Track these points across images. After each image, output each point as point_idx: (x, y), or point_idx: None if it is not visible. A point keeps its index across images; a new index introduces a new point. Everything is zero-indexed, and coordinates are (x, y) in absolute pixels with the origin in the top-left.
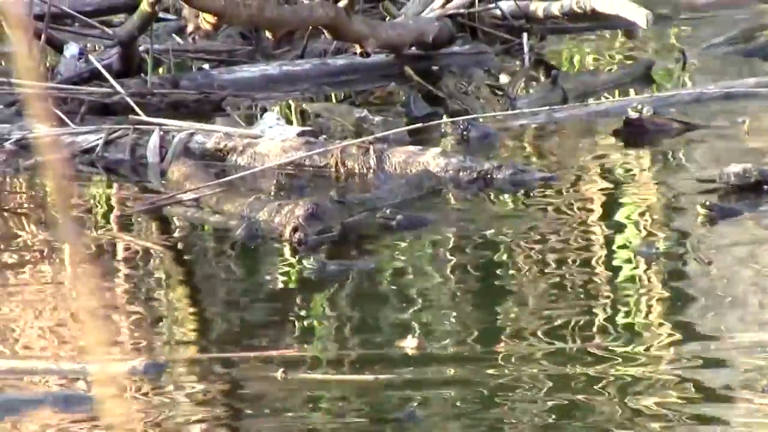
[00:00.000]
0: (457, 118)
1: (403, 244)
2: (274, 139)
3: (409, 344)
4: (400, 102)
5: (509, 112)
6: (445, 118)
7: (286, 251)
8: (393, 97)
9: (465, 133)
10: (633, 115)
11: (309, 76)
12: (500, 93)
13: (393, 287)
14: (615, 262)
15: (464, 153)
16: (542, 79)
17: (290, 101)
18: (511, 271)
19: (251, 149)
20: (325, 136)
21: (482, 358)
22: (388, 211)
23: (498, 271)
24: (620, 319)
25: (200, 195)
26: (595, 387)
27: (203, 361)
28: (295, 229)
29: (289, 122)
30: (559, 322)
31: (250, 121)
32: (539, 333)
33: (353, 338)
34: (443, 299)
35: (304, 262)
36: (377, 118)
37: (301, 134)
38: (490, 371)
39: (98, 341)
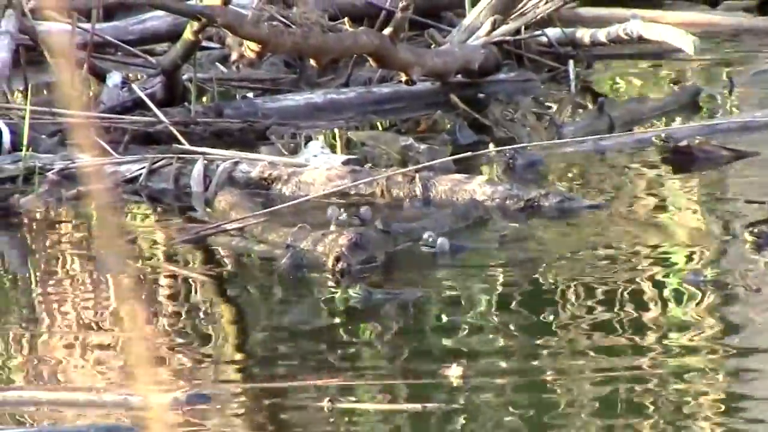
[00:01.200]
0: (504, 147)
1: (450, 274)
2: (318, 168)
3: (454, 372)
4: (446, 130)
5: (556, 140)
6: (491, 146)
7: (331, 281)
8: (438, 125)
9: (511, 161)
10: (682, 142)
11: (353, 105)
12: (547, 120)
13: (439, 316)
14: (662, 291)
15: (511, 181)
16: (589, 106)
17: (335, 130)
18: (557, 300)
19: (296, 178)
20: (370, 165)
21: (528, 387)
22: (430, 238)
23: (544, 299)
24: (668, 348)
25: (245, 224)
26: (646, 412)
27: (248, 391)
28: (338, 259)
29: (334, 151)
30: (607, 351)
31: (295, 149)
32: (587, 363)
33: (399, 367)
34: (489, 328)
35: (350, 291)
36: (422, 146)
37: (346, 162)
38: (537, 400)
39: (143, 373)
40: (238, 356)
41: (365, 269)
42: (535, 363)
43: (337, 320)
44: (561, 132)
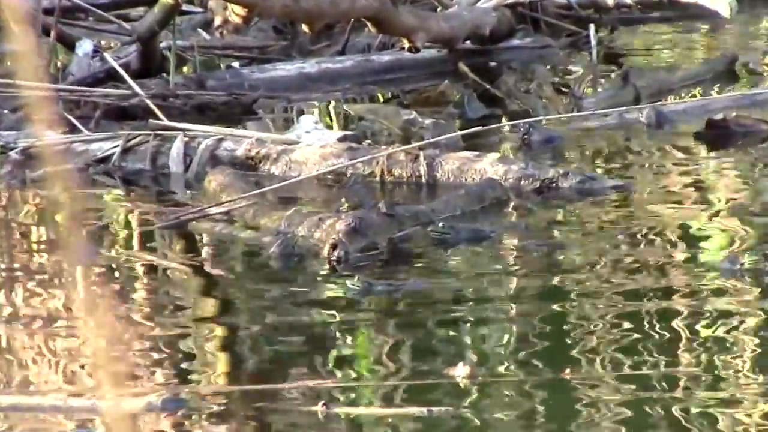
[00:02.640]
0: (518, 120)
1: (459, 263)
2: (312, 146)
3: (461, 372)
4: (454, 102)
5: (575, 113)
6: (504, 121)
7: (326, 271)
8: (445, 97)
9: (526, 136)
10: (717, 116)
11: (351, 75)
12: (565, 92)
13: (446, 310)
14: (695, 281)
15: (526, 159)
16: (612, 76)
17: (330, 103)
18: (578, 291)
19: (286, 157)
20: (369, 142)
21: (542, 388)
22: (441, 225)
23: (564, 291)
24: (701, 342)
25: (231, 208)
26: (675, 412)
27: (232, 394)
28: (334, 246)
29: (329, 126)
30: (633, 347)
31: (285, 125)
32: (609, 359)
33: (401, 367)
34: (501, 324)
35: (348, 282)
36: (427, 121)
37: (342, 139)
38: (552, 402)
39: (113, 374)
40: (222, 356)
41: (365, 258)
42: (552, 363)
43: (333, 315)
44: (581, 104)
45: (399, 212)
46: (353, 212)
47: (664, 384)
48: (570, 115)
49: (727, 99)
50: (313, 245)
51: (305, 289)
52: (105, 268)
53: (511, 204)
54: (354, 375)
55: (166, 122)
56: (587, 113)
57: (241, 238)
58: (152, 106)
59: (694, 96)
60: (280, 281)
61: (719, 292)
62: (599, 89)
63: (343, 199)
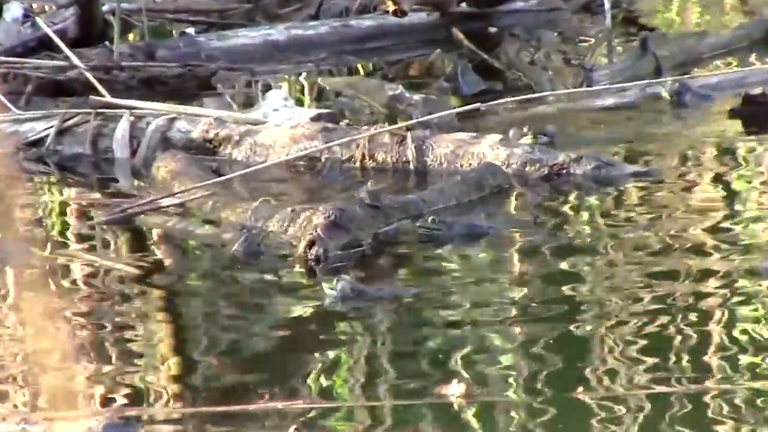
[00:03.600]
0: (521, 96)
1: (455, 263)
2: (280, 126)
3: (455, 391)
4: (446, 75)
5: (586, 88)
6: (505, 98)
7: (301, 272)
8: (437, 68)
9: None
10: (753, 91)
11: (326, 43)
12: (576, 63)
13: (437, 320)
14: (731, 286)
15: (532, 142)
16: (632, 43)
17: (301, 76)
18: (592, 298)
19: (251, 139)
20: (347, 121)
21: (550, 409)
22: (430, 219)
23: (575, 299)
24: (735, 350)
25: (186, 199)
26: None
27: (188, 417)
28: (311, 244)
29: (300, 103)
30: (658, 361)
31: (249, 102)
32: (625, 376)
33: (385, 386)
34: (502, 334)
35: (324, 286)
36: (416, 97)
37: (316, 119)
38: (562, 426)
39: (50, 394)
40: (177, 374)
41: (347, 257)
42: (563, 381)
43: (307, 325)
44: (592, 77)
45: (385, 203)
46: (332, 204)
47: (695, 404)
48: (580, 90)
49: (767, 71)
50: (285, 242)
51: (275, 295)
52: (39, 270)
53: (515, 193)
54: (331, 395)
55: (109, 99)
56: (600, 88)
57: (198, 235)
58: (93, 80)
59: (728, 67)
60: (245, 286)
61: (759, 298)
62: (614, 59)
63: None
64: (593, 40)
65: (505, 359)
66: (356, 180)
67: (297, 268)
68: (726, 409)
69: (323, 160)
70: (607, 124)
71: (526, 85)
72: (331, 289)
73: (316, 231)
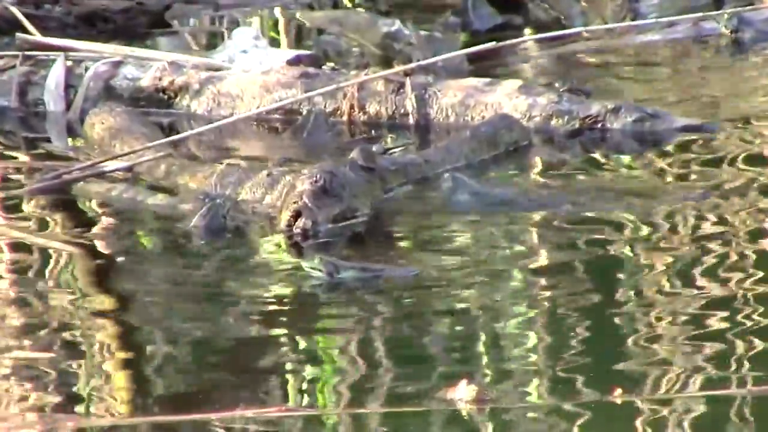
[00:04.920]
0: (546, 34)
1: (466, 238)
2: (250, 72)
3: (464, 395)
4: (454, 7)
5: (629, 22)
6: (527, 34)
7: (282, 250)
8: None
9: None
10: None
11: None
12: None
13: (442, 307)
14: None
15: (558, 90)
16: None
17: (275, 9)
18: (629, 287)
19: (214, 87)
20: (332, 65)
21: (580, 415)
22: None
23: (602, 286)
24: None
25: (134, 163)
26: None
27: (137, 428)
28: (296, 215)
29: (275, 43)
30: (706, 361)
31: (212, 42)
32: (677, 376)
33: (380, 389)
34: (519, 327)
35: (305, 266)
36: (416, 35)
37: (293, 62)
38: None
39: None
40: (123, 376)
41: (339, 230)
42: (594, 382)
43: (287, 316)
44: (638, 9)
45: (382, 165)
46: (319, 166)
47: (747, 408)
48: (620, 24)
49: None
50: (261, 214)
51: (247, 280)
52: None
53: (536, 153)
54: (314, 400)
55: (40, 38)
56: (643, 22)
57: (149, 206)
58: (19, 16)
59: None
60: (209, 268)
61: None
62: None
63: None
64: None
65: (525, 356)
66: (352, 138)
67: (276, 245)
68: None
69: (305, 113)
70: (652, 67)
71: (554, 19)
72: (314, 269)
73: (301, 199)
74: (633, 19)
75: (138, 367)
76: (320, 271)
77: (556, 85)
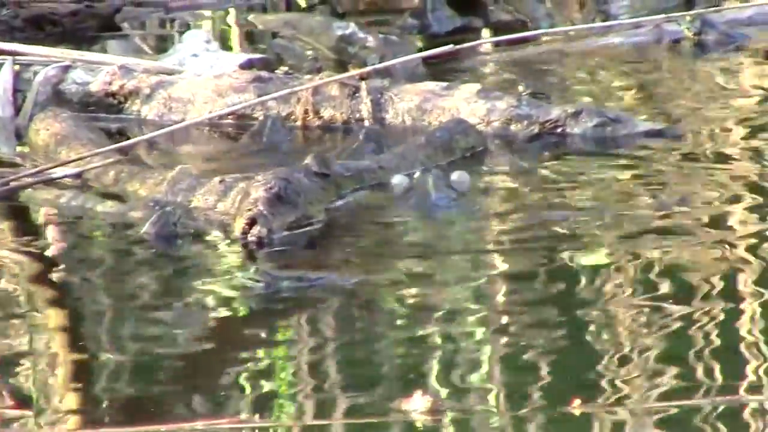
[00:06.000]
0: (505, 36)
1: (422, 243)
2: (202, 76)
3: (418, 406)
4: (411, 10)
5: (597, 24)
6: (485, 36)
7: (235, 258)
8: (399, 1)
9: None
10: None
11: None
12: None
13: (387, 316)
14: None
15: (518, 94)
16: None
17: (227, 13)
18: (585, 295)
19: (165, 92)
20: (286, 69)
21: (536, 427)
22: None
23: (564, 295)
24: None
25: (83, 169)
26: None
27: None
28: (252, 222)
29: (227, 47)
30: (669, 368)
31: (163, 46)
32: (638, 385)
33: (333, 400)
34: (471, 337)
35: (242, 278)
36: (372, 38)
37: (246, 66)
38: None
39: None
40: (71, 387)
41: (294, 237)
42: (551, 391)
43: (238, 325)
44: (607, 10)
45: (337, 171)
46: (273, 172)
47: (720, 421)
48: (585, 26)
49: None
50: (214, 221)
51: (198, 289)
52: None
53: (492, 157)
54: (265, 410)
55: None
56: (603, 24)
57: (99, 213)
58: None
59: None
60: (160, 277)
61: None
62: None
63: None
64: None
65: (480, 365)
66: (306, 143)
67: (230, 253)
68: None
69: (261, 118)
70: (614, 70)
71: (517, 22)
72: (249, 280)
73: (256, 206)
74: (604, 21)
75: (86, 378)
76: (257, 281)
77: (519, 88)
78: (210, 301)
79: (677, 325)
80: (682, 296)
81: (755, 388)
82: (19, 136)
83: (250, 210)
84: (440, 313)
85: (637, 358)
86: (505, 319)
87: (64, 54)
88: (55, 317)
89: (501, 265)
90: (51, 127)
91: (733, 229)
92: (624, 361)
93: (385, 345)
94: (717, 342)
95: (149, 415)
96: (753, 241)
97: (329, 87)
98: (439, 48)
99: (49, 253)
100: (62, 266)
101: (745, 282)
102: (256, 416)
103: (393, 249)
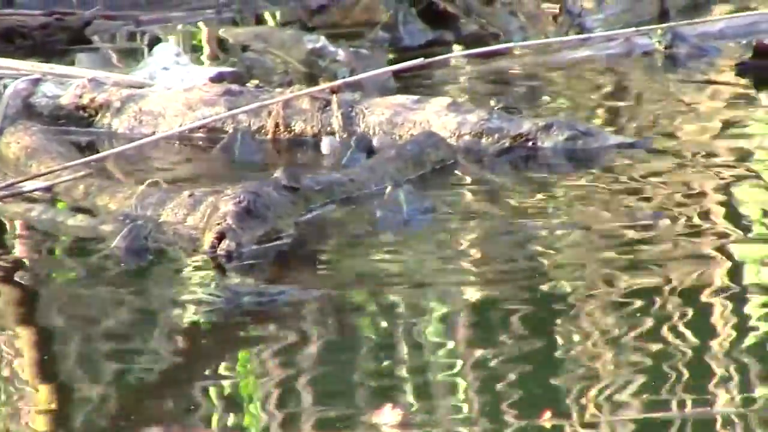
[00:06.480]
0: (478, 49)
1: (391, 257)
2: (172, 89)
3: (388, 420)
4: (383, 23)
5: (570, 36)
6: (456, 51)
7: (205, 272)
8: (370, 14)
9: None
10: (767, 40)
11: None
12: (556, 7)
13: (351, 329)
14: (738, 293)
15: (488, 106)
16: None
17: (198, 25)
18: (555, 308)
19: (135, 105)
20: (256, 82)
21: None
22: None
23: (537, 309)
24: (737, 371)
25: (53, 182)
26: None
27: None
28: (220, 236)
29: (197, 60)
30: (642, 381)
31: (133, 59)
32: (607, 398)
33: (303, 413)
34: (440, 351)
35: (204, 293)
36: (342, 51)
37: (216, 79)
38: None
39: None
40: (42, 408)
41: (263, 251)
42: (523, 405)
43: (206, 338)
44: (582, 23)
45: (306, 185)
46: (242, 186)
47: None
48: (556, 39)
49: None
50: (183, 235)
51: (168, 303)
52: None
53: (463, 171)
54: (234, 426)
55: None
56: (574, 38)
57: (69, 227)
58: None
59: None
60: (130, 290)
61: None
62: (608, 1)
63: None
64: None
65: (451, 379)
66: (274, 156)
67: (197, 268)
68: None
69: (231, 131)
70: (585, 84)
71: (489, 35)
72: (212, 295)
73: (225, 220)
74: (578, 34)
75: (56, 393)
76: (218, 297)
77: (491, 103)
78: (172, 317)
79: (648, 338)
80: (655, 309)
81: (726, 401)
82: None
83: (219, 224)
84: (407, 325)
85: (607, 371)
86: (474, 332)
87: (34, 67)
88: (23, 330)
89: (470, 277)
90: (21, 141)
91: (707, 243)
92: (594, 374)
93: (349, 358)
94: (689, 356)
95: (123, 429)
96: (726, 254)
97: (300, 100)
98: (410, 61)
99: (18, 268)
100: (31, 280)
101: (717, 296)
102: (231, 428)
103: (361, 263)
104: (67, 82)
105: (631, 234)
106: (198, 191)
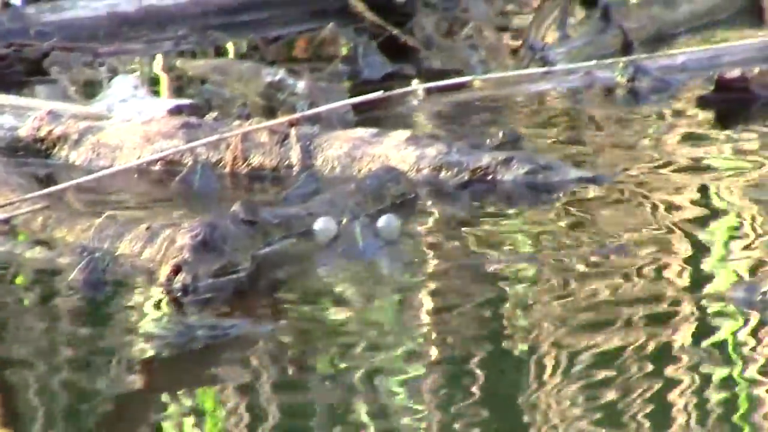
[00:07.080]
0: (437, 82)
1: (348, 289)
2: (130, 121)
3: None
4: (342, 56)
5: (531, 69)
6: (416, 84)
7: (162, 306)
8: (329, 47)
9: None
10: (729, 73)
11: (186, 16)
12: (517, 39)
13: (302, 362)
14: (699, 318)
15: (448, 139)
16: (588, 14)
17: (156, 57)
18: (521, 336)
19: (93, 137)
20: (215, 115)
21: None
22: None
23: (502, 339)
24: (707, 405)
25: (10, 215)
26: None
27: None
28: (176, 270)
29: (155, 92)
30: (610, 413)
31: (91, 91)
32: (582, 428)
33: None
34: (398, 383)
35: (155, 328)
36: (302, 84)
37: (174, 112)
38: None
39: None
40: None
41: (220, 285)
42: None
43: (164, 372)
44: (545, 56)
45: (264, 218)
46: (199, 219)
47: None
48: (516, 72)
49: (747, 47)
50: (140, 268)
51: (125, 336)
52: None
53: (422, 205)
54: None
55: None
56: (535, 71)
57: (26, 259)
58: None
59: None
60: (87, 324)
61: (732, 332)
62: (570, 33)
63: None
64: (540, 8)
65: (413, 410)
66: (231, 189)
67: (152, 301)
68: None
69: (190, 163)
70: (544, 117)
71: (450, 69)
72: (163, 329)
73: (181, 254)
74: (541, 67)
75: (12, 426)
76: (171, 330)
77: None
78: (123, 351)
79: (606, 382)
80: (611, 348)
81: None
82: None
83: (175, 257)
84: (359, 358)
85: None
86: (430, 361)
87: None
88: None
89: (427, 311)
90: None
91: (670, 277)
92: (557, 398)
93: (300, 391)
94: (649, 386)
95: None
96: (689, 286)
97: (258, 133)
98: (370, 94)
99: None
100: None
101: (682, 328)
102: None
103: (316, 297)
104: (25, 114)
105: (588, 268)
106: (155, 224)
